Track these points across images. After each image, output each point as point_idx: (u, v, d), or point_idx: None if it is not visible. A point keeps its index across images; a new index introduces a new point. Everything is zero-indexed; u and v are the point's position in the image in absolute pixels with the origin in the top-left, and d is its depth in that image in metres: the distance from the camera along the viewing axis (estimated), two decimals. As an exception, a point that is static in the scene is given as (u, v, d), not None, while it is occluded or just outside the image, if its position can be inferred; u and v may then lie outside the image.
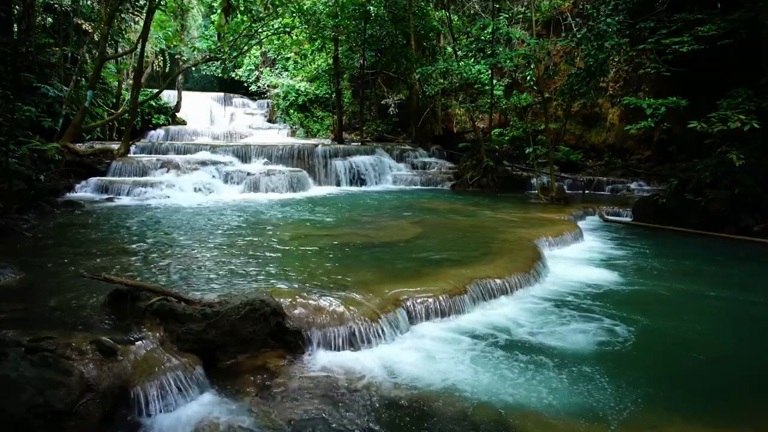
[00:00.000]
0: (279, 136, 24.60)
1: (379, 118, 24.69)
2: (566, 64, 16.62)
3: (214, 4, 25.94)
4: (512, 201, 13.36)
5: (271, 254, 6.54)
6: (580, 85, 13.07)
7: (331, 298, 4.74)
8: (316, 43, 23.12)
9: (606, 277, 6.76)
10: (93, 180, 12.77)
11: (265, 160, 16.15)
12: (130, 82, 18.95)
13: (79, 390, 3.14)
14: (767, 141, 9.78)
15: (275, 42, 22.47)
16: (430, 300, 5.11)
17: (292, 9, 18.49)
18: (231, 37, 18.81)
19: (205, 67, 27.21)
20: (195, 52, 24.89)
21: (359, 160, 17.08)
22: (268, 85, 28.37)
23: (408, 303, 4.98)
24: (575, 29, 15.85)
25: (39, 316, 4.23)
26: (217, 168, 14.29)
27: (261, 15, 18.27)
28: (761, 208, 9.45)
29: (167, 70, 30.32)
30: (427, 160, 19.55)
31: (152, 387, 3.43)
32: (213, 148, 16.34)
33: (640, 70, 13.67)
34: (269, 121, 27.64)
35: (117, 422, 3.25)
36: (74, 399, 3.09)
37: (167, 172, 13.63)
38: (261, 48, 24.12)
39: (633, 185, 15.58)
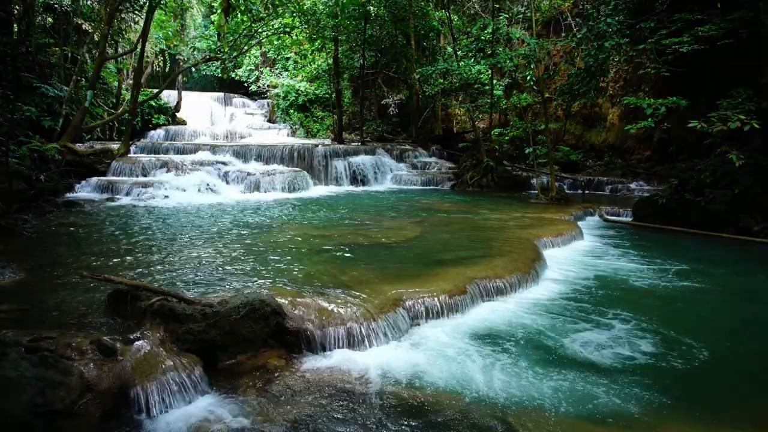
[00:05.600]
0: (279, 136, 24.60)
1: (379, 118, 24.70)
2: (566, 64, 16.61)
3: (214, 4, 25.93)
4: (512, 201, 13.35)
5: (271, 254, 6.54)
6: (580, 85, 13.09)
7: (331, 298, 4.74)
8: (316, 43, 23.12)
9: (606, 277, 6.76)
10: (93, 180, 12.78)
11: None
12: (130, 82, 18.95)
13: (79, 390, 3.14)
14: (767, 141, 9.78)
15: (275, 42, 22.45)
16: (430, 300, 5.11)
17: (292, 9, 18.48)
18: (231, 37, 18.81)
19: (205, 67, 27.21)
20: (195, 52, 24.88)
21: (359, 160, 17.08)
22: (268, 85, 28.38)
23: (408, 303, 4.98)
24: (575, 29, 15.86)
25: (39, 316, 4.24)
26: (217, 168, 14.29)
27: (261, 15, 18.26)
28: (761, 208, 9.45)
29: (167, 70, 30.33)
30: (427, 160, 19.53)
31: (152, 387, 3.43)
32: (213, 148, 16.35)
33: (640, 70, 13.67)
34: (269, 121, 27.64)
35: (117, 422, 3.25)
36: (74, 399, 3.09)
37: (167, 172, 13.62)
38: (261, 48, 24.13)
39: (633, 185, 15.57)
